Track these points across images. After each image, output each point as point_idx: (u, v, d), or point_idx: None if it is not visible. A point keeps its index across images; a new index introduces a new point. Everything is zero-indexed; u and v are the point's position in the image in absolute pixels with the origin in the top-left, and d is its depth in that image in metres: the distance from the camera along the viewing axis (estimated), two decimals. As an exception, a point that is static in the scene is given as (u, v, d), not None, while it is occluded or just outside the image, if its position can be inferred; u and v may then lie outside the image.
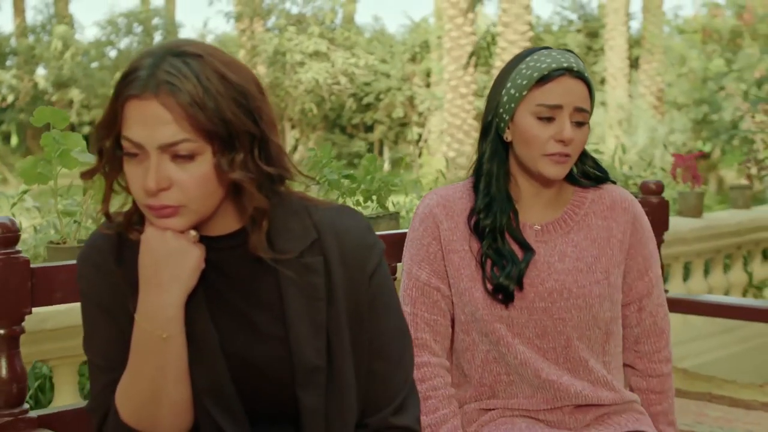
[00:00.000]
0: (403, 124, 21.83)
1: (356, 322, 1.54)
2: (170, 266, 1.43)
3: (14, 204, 3.09)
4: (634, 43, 18.75)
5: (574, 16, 20.55)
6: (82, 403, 1.85)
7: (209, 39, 25.09)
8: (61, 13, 24.66)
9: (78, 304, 2.41)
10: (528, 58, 1.95)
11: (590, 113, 1.95)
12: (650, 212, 2.52)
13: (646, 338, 2.06)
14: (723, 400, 2.73)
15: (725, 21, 13.58)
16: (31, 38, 24.07)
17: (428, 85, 21.45)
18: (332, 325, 1.51)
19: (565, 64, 1.90)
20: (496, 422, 1.96)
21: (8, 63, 23.53)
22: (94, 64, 23.78)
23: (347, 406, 1.53)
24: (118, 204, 1.53)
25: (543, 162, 1.91)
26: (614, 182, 2.08)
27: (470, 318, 1.95)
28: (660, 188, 2.84)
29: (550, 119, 1.90)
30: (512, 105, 1.93)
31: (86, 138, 2.43)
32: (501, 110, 1.96)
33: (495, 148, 1.98)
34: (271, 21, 22.81)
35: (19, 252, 1.71)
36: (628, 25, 17.73)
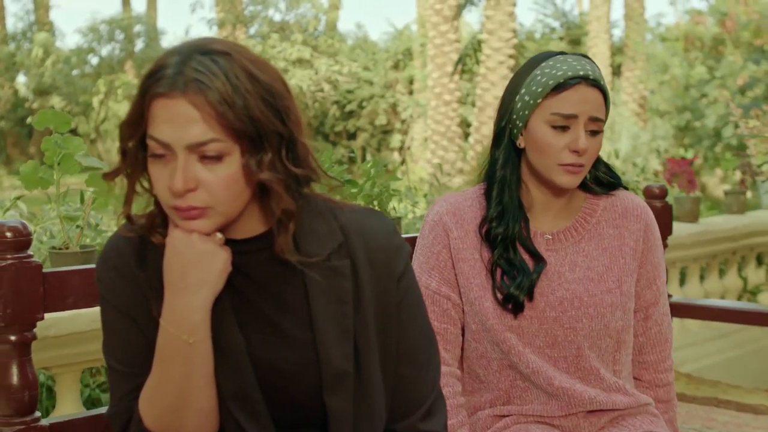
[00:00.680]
0: (386, 131, 21.83)
1: (384, 326, 1.51)
2: (197, 269, 1.40)
3: (7, 210, 3.05)
4: (617, 50, 18.87)
5: (556, 24, 20.66)
6: (94, 411, 1.82)
7: (191, 46, 24.96)
8: (42, 21, 24.55)
9: (83, 311, 2.41)
10: (543, 64, 1.91)
11: (605, 120, 1.92)
12: (654, 216, 2.51)
13: (651, 348, 2.04)
14: (730, 404, 2.73)
15: (707, 28, 13.68)
16: (11, 45, 23.92)
17: (411, 93, 21.48)
18: (360, 330, 1.48)
19: (581, 72, 1.87)
20: (511, 429, 1.94)
21: (-12, 70, 23.37)
22: (75, 72, 23.66)
23: (375, 411, 1.50)
24: (136, 206, 1.50)
25: (557, 171, 1.89)
26: (626, 188, 2.06)
27: (481, 327, 1.94)
28: (663, 192, 2.85)
29: (564, 128, 1.87)
30: (526, 112, 1.90)
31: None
32: (514, 116, 1.93)
33: (508, 154, 1.95)
34: (254, 28, 22.78)
35: (31, 256, 1.68)
36: (610, 33, 17.84)
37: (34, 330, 1.71)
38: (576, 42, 19.57)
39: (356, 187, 3.03)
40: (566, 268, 1.94)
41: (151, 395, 1.44)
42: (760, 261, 5.30)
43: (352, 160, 18.78)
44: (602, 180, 2.02)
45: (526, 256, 1.93)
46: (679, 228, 4.43)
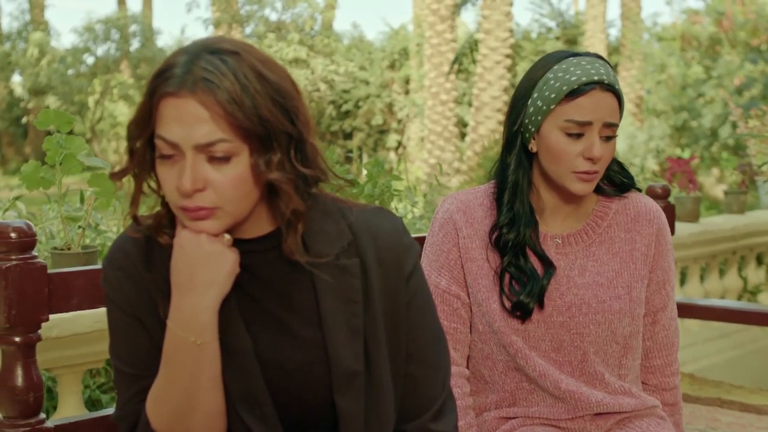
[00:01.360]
0: (383, 131, 21.82)
1: (393, 325, 1.50)
2: (205, 270, 1.39)
3: (6, 210, 3.03)
4: (613, 50, 18.87)
5: (553, 24, 20.65)
6: (99, 412, 1.81)
7: (187, 46, 24.96)
8: (37, 20, 24.50)
9: (85, 312, 2.40)
10: (556, 67, 1.86)
11: (618, 124, 1.89)
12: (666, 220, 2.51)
13: (658, 352, 2.03)
14: (733, 405, 2.72)
15: (704, 28, 13.68)
16: (6, 45, 23.88)
17: (407, 92, 21.47)
18: (369, 329, 1.47)
19: (595, 77, 1.82)
20: (517, 431, 1.93)
21: (-17, 70, 23.33)
22: (71, 71, 23.62)
23: (385, 411, 1.49)
24: (144, 207, 1.49)
25: (570, 179, 1.86)
26: (639, 189, 2.02)
27: (488, 329, 1.92)
28: (666, 192, 2.84)
29: (579, 135, 1.84)
30: (539, 117, 1.86)
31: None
32: (527, 120, 1.89)
33: (520, 159, 1.91)
34: (250, 28, 22.76)
35: (35, 257, 1.67)
36: (606, 33, 17.85)
37: (39, 331, 1.69)
38: (572, 42, 19.57)
39: (357, 187, 3.02)
40: (576, 273, 1.92)
41: (158, 397, 1.43)
42: (760, 261, 5.30)
43: (348, 160, 18.78)
44: (615, 180, 1.98)
45: (535, 261, 1.91)
46: (679, 228, 4.43)
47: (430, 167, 14.85)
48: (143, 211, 1.49)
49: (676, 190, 4.54)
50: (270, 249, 1.47)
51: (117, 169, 1.45)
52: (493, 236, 1.91)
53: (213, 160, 1.35)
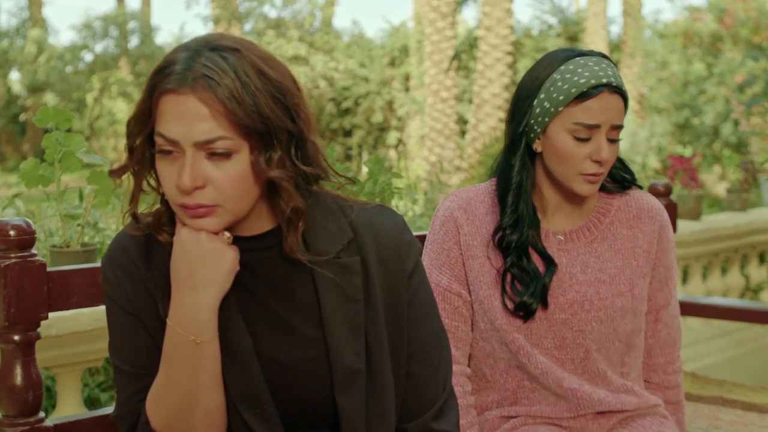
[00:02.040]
0: (382, 128, 21.80)
1: (395, 323, 1.50)
2: (205, 268, 1.38)
3: (4, 208, 3.02)
4: (614, 47, 18.86)
5: (554, 21, 20.64)
6: (98, 411, 1.80)
7: (186, 43, 24.97)
8: (35, 17, 24.48)
9: (84, 310, 2.39)
10: (563, 67, 1.84)
11: (623, 125, 1.88)
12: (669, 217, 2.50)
13: (660, 350, 2.02)
14: (735, 404, 2.71)
15: (706, 25, 13.65)
16: (4, 42, 23.86)
17: (407, 90, 21.45)
18: (371, 327, 1.47)
19: (604, 80, 1.80)
20: (519, 430, 1.93)
21: (-18, 67, 23.32)
22: (69, 68, 23.61)
23: (387, 409, 1.48)
24: (144, 205, 1.48)
25: (577, 181, 1.85)
26: (640, 187, 2.02)
27: (489, 326, 1.91)
28: (668, 190, 2.83)
29: (586, 138, 1.82)
30: (546, 119, 1.85)
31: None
32: (532, 121, 1.87)
33: (524, 161, 1.90)
34: (249, 24, 22.74)
35: (34, 255, 1.66)
36: (607, 30, 17.83)
37: (38, 329, 1.68)
38: (573, 39, 19.56)
39: (358, 184, 3.01)
40: (578, 269, 1.91)
41: (158, 396, 1.42)
42: (762, 259, 5.30)
43: (348, 158, 18.76)
44: (616, 177, 1.98)
45: (537, 260, 1.90)
46: (681, 226, 4.43)
47: (431, 165, 14.83)
48: (142, 209, 1.48)
49: (678, 187, 4.54)
50: (270, 247, 1.46)
51: (116, 166, 1.44)
52: (497, 237, 1.90)
53: (213, 157, 1.34)
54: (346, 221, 1.48)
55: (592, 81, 1.80)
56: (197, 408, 1.41)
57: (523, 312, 1.87)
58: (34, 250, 1.66)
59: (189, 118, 1.32)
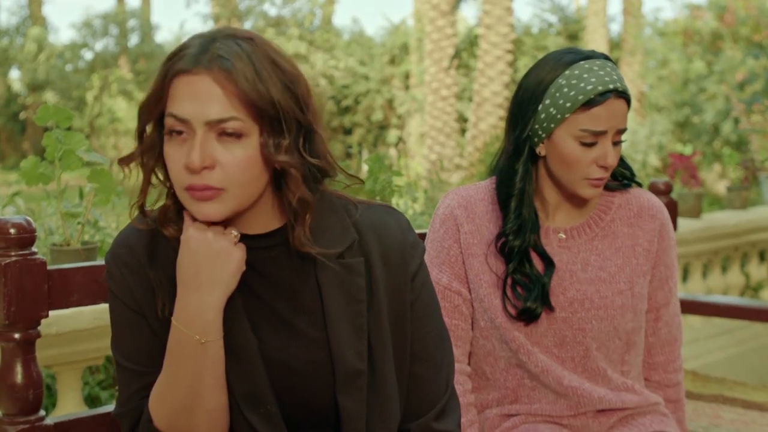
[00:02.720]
0: (383, 127, 21.80)
1: (398, 324, 1.49)
2: (211, 268, 1.37)
3: (4, 206, 3.02)
4: (614, 45, 18.84)
5: (554, 19, 20.63)
6: (98, 409, 1.79)
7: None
8: (35, 15, 24.46)
9: (85, 309, 2.39)
10: (568, 72, 1.82)
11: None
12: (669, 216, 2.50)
13: (661, 348, 2.02)
14: (736, 402, 2.71)
15: (706, 23, 13.62)
16: (4, 40, 23.85)
17: (407, 88, 21.44)
18: (374, 328, 1.46)
19: (611, 86, 1.80)
20: (520, 429, 1.92)
21: (-18, 65, 23.30)
22: (69, 67, 23.60)
23: (389, 410, 1.48)
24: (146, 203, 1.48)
25: (582, 185, 1.85)
26: (640, 184, 2.02)
27: (490, 324, 1.91)
28: (669, 188, 2.83)
29: (592, 143, 1.82)
30: (551, 125, 1.83)
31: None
32: (536, 126, 1.85)
33: (528, 166, 1.89)
34: (249, 23, 22.74)
35: (35, 253, 1.65)
36: (607, 28, 17.82)
37: (38, 328, 1.68)
38: (573, 37, 19.55)
39: (348, 195, 3.00)
40: (578, 267, 1.91)
41: (161, 395, 1.42)
42: (762, 257, 5.30)
43: (349, 156, 18.75)
44: (615, 173, 1.97)
45: (537, 262, 1.89)
46: (681, 224, 4.43)
47: (431, 163, 14.82)
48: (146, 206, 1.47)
49: (678, 185, 4.54)
50: (275, 246, 1.45)
51: (125, 154, 1.44)
52: (499, 243, 1.90)
53: (223, 138, 1.34)
54: (350, 221, 1.48)
55: (599, 87, 1.79)
56: (200, 407, 1.41)
57: (527, 317, 1.87)
58: (34, 249, 1.65)
59: (202, 98, 1.33)
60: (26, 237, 1.63)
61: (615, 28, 20.25)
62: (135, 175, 1.44)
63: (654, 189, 2.77)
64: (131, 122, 21.47)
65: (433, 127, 15.51)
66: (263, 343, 1.44)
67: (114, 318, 1.48)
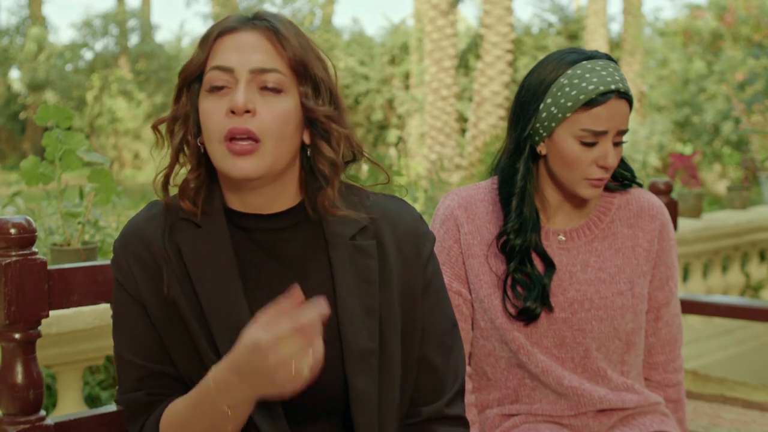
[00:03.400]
0: (383, 126, 21.79)
1: (408, 308, 1.51)
2: (271, 379, 1.31)
3: (4, 206, 3.02)
4: (614, 45, 18.83)
5: (554, 19, 20.62)
6: (99, 409, 1.79)
7: (186, 40, 24.99)
8: (35, 15, 24.44)
9: (85, 309, 2.39)
10: (570, 72, 1.83)
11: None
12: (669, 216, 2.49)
13: (661, 348, 2.02)
14: (736, 402, 2.71)
15: (706, 23, 13.64)
16: (4, 40, 23.83)
17: (407, 88, 21.43)
18: (384, 309, 1.48)
19: (612, 86, 1.80)
20: (520, 428, 1.92)
21: (-18, 65, 23.30)
22: (69, 67, 23.58)
23: (394, 390, 1.49)
24: (142, 203, 1.49)
25: (582, 185, 1.85)
26: (640, 184, 2.01)
27: (490, 325, 1.91)
28: (669, 188, 2.82)
29: (593, 143, 1.82)
30: (552, 124, 1.84)
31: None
32: (538, 125, 1.86)
33: (528, 166, 1.89)
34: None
35: (35, 253, 1.65)
36: (607, 28, 17.81)
37: (39, 328, 1.68)
38: (573, 37, 19.54)
39: (358, 182, 3.01)
40: (578, 268, 1.91)
41: (177, 425, 1.42)
42: (762, 257, 5.31)
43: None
44: (616, 174, 1.97)
45: (538, 262, 1.90)
46: (681, 224, 4.43)
47: (431, 163, 14.81)
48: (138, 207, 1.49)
49: (678, 185, 4.54)
50: (289, 228, 1.48)
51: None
52: (500, 242, 1.90)
53: (264, 92, 1.40)
54: (363, 207, 1.50)
55: (601, 87, 1.79)
56: None
57: (526, 316, 1.87)
58: (34, 249, 1.65)
59: (247, 49, 1.40)
60: (26, 237, 1.63)
61: (615, 27, 20.29)
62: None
63: (654, 189, 2.77)
64: (131, 122, 21.48)
65: (433, 127, 15.50)
66: None
67: (115, 306, 1.51)
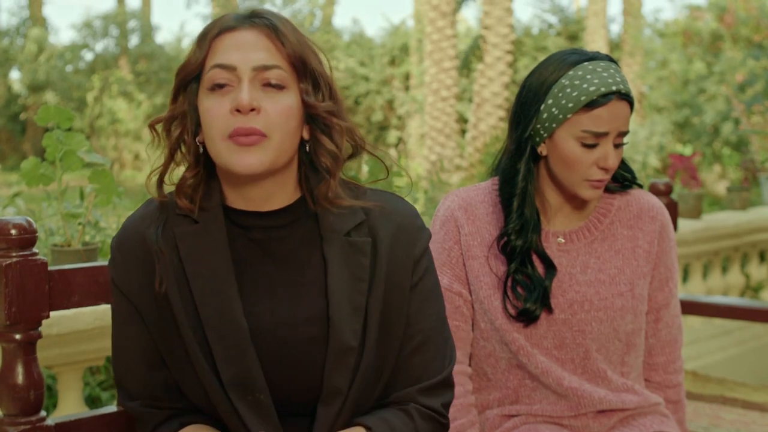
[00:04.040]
0: (383, 127, 21.78)
1: (395, 303, 1.51)
2: None
3: (5, 207, 3.02)
4: (614, 46, 18.83)
5: (554, 20, 20.62)
6: (100, 410, 1.79)
7: (186, 41, 24.99)
8: (36, 16, 24.44)
9: (86, 309, 2.39)
10: (571, 73, 1.82)
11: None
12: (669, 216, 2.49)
13: (661, 349, 2.02)
14: (736, 402, 2.71)
15: (706, 24, 13.63)
16: (5, 41, 23.84)
17: (407, 89, 21.42)
18: (371, 309, 1.48)
19: (614, 87, 1.79)
20: (520, 429, 1.92)
21: (-18, 66, 23.30)
22: (69, 68, 23.58)
23: (371, 387, 1.49)
24: (136, 204, 1.51)
25: (583, 186, 1.85)
26: (641, 186, 2.01)
27: (490, 326, 1.91)
28: (669, 189, 2.83)
29: (594, 145, 1.82)
30: (553, 125, 1.83)
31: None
32: (538, 125, 1.85)
33: (529, 166, 1.89)
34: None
35: (36, 254, 1.65)
36: (607, 29, 17.80)
37: (39, 328, 1.68)
38: (573, 37, 19.53)
39: (359, 183, 3.01)
40: (578, 270, 1.91)
41: None
42: (762, 258, 5.31)
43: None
44: (617, 176, 1.97)
45: (538, 264, 1.90)
46: (681, 224, 4.43)
47: (431, 164, 14.80)
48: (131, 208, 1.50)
49: (678, 186, 4.54)
50: (285, 225, 1.49)
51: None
52: (501, 243, 1.90)
53: (266, 88, 1.41)
54: (359, 204, 1.51)
55: (602, 89, 1.79)
56: None
57: (526, 318, 1.87)
58: (35, 249, 1.65)
59: (248, 47, 1.41)
60: (27, 238, 1.63)
61: (615, 28, 20.28)
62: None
63: (654, 190, 2.77)
64: (131, 123, 21.47)
65: (433, 128, 15.49)
66: (260, 322, 1.46)
67: (114, 314, 1.53)
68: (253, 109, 1.39)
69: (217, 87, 1.41)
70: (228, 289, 1.44)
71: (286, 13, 22.90)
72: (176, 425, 1.50)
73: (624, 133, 1.84)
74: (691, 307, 3.02)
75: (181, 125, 1.46)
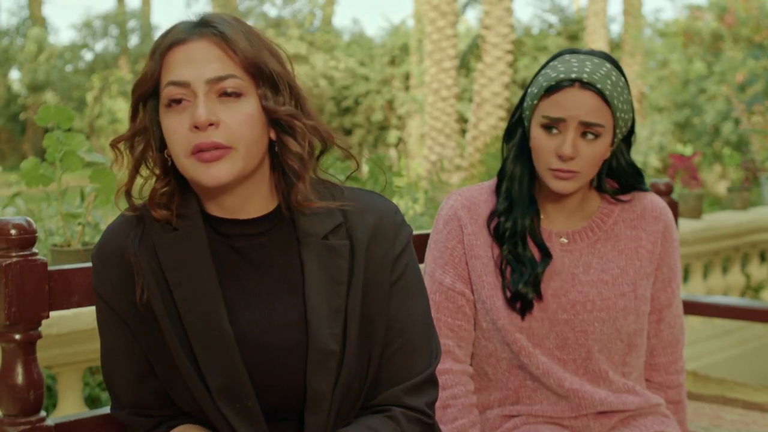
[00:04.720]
0: (383, 127, 21.78)
1: (374, 303, 1.49)
2: None
3: (5, 207, 3.02)
4: (615, 46, 18.83)
5: (554, 20, 20.63)
6: (99, 410, 1.79)
7: (186, 42, 24.98)
8: (35, 16, 24.47)
9: (85, 309, 2.39)
10: (552, 63, 1.87)
11: (606, 125, 1.83)
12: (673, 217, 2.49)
13: (663, 350, 2.02)
14: (737, 403, 2.70)
15: (706, 24, 13.64)
16: (5, 41, 23.85)
17: (407, 89, 21.43)
18: (351, 311, 1.47)
19: (573, 75, 1.80)
20: (521, 429, 1.92)
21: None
22: (69, 67, 23.60)
23: (353, 390, 1.48)
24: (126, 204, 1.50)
25: (548, 175, 1.85)
26: (646, 189, 2.00)
27: (491, 326, 1.91)
28: (669, 189, 2.82)
29: (554, 132, 1.83)
30: (528, 112, 1.88)
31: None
32: (523, 115, 1.91)
33: (519, 150, 1.92)
34: (249, 23, 22.73)
35: (36, 254, 1.65)
36: (607, 29, 17.80)
37: (39, 328, 1.68)
38: (574, 37, 19.54)
39: (359, 183, 3.02)
40: (580, 270, 1.91)
41: None
42: (763, 258, 5.30)
43: (348, 156, 18.70)
44: (624, 183, 1.96)
45: (535, 252, 1.90)
46: (682, 224, 4.42)
47: (431, 164, 14.81)
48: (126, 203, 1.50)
49: (678, 186, 4.54)
50: (264, 233, 1.47)
51: (117, 137, 1.48)
52: (492, 224, 1.90)
53: (223, 98, 1.38)
54: (337, 206, 1.49)
55: (562, 75, 1.81)
56: None
57: (520, 303, 1.86)
58: (35, 249, 1.65)
59: (200, 60, 1.38)
60: (27, 238, 1.62)
61: (615, 28, 20.29)
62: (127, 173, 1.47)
63: (654, 190, 2.76)
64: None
65: (433, 128, 15.50)
66: (243, 330, 1.45)
67: (99, 325, 1.53)
68: (211, 124, 1.36)
69: (174, 103, 1.39)
70: (212, 296, 1.43)
71: (286, 13, 22.92)
72: (164, 429, 1.50)
73: (589, 124, 1.81)
74: (691, 307, 3.01)
75: (143, 140, 1.44)
